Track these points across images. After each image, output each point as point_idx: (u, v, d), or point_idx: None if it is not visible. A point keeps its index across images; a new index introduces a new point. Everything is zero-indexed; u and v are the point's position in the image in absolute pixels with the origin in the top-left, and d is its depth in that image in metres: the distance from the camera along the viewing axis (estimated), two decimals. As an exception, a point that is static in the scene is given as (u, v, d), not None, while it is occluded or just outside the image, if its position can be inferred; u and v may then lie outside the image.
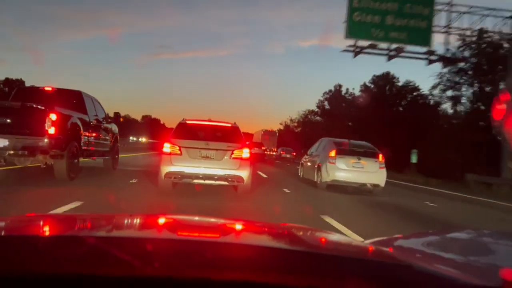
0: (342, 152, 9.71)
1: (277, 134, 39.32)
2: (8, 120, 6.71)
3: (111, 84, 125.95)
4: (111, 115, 10.29)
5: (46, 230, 1.01)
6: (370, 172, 9.49)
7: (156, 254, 0.68)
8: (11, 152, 6.66)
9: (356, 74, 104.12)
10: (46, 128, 6.65)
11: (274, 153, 34.70)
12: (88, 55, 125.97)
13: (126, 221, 1.21)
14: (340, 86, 51.04)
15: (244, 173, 6.88)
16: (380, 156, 9.76)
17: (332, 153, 9.67)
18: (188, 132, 7.42)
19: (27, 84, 40.35)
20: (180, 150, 6.86)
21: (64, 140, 7.00)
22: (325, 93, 52.50)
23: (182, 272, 0.63)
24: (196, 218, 1.45)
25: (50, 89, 8.43)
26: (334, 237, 1.34)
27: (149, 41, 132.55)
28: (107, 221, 1.22)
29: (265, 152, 29.42)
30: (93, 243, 0.71)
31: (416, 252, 1.05)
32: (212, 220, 1.48)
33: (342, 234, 1.41)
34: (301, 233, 1.33)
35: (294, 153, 34.95)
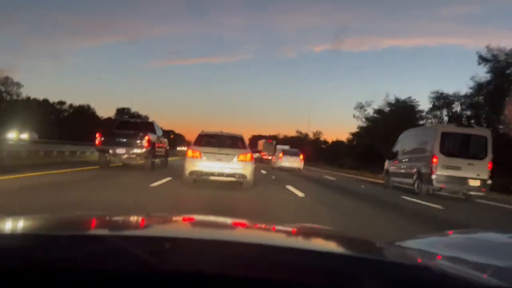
0: (285, 153, 19.84)
1: (274, 143, 48.61)
2: (124, 140, 12.79)
3: (122, 90, 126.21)
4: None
5: (69, 228, 1.05)
6: (297, 162, 19.58)
7: (173, 252, 0.70)
8: (126, 156, 12.95)
9: (369, 78, 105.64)
10: (144, 144, 12.58)
11: (270, 157, 44.56)
12: (100, 62, 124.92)
13: (143, 220, 1.26)
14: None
15: (247, 172, 8.54)
16: (301, 155, 19.83)
17: (280, 155, 19.92)
18: (206, 140, 9.29)
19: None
20: (200, 154, 8.51)
21: (150, 149, 12.82)
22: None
23: (197, 269, 0.64)
24: (211, 218, 1.51)
25: (138, 121, 16.61)
26: (348, 237, 1.36)
27: (160, 47, 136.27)
28: (126, 220, 1.29)
29: (263, 157, 39.65)
30: (112, 242, 0.74)
31: (430, 253, 1.05)
32: (226, 220, 1.51)
33: (357, 234, 1.57)
34: (316, 233, 1.35)
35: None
